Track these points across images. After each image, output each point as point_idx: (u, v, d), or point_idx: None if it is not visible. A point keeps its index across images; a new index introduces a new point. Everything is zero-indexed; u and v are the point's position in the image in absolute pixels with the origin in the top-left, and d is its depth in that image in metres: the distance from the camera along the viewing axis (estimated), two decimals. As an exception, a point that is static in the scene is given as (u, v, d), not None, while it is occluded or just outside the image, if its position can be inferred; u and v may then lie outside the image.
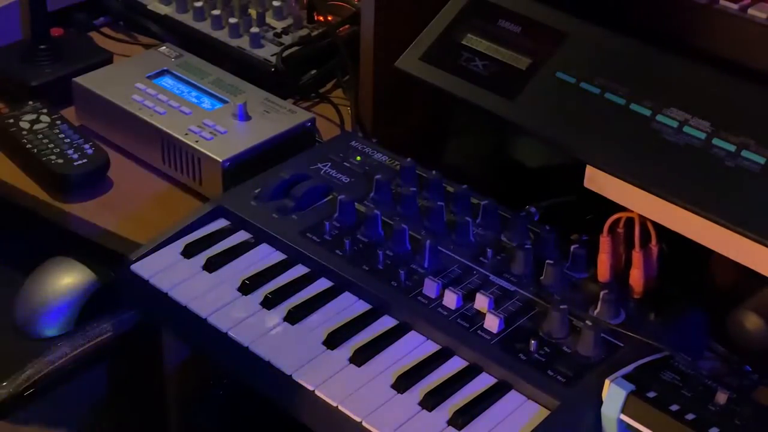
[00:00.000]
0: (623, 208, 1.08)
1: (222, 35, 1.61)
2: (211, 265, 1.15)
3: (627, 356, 1.01)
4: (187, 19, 1.66)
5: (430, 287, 1.08)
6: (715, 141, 1.01)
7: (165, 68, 1.49)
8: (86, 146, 1.38)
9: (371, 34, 1.35)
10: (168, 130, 1.37)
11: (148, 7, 1.70)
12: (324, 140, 1.41)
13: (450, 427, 0.97)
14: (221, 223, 1.21)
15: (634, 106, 1.06)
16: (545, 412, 0.98)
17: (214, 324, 1.08)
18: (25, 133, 1.40)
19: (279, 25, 1.64)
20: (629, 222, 1.08)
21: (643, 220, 1.07)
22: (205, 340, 1.11)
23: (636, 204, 1.06)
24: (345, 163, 1.27)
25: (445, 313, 1.07)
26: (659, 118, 1.05)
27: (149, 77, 1.47)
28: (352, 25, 1.59)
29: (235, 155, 1.32)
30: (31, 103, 1.45)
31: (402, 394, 1.00)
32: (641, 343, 1.03)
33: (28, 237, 1.49)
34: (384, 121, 1.40)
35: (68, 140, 1.39)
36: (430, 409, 0.98)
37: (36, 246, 1.44)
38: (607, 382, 0.97)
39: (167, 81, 1.47)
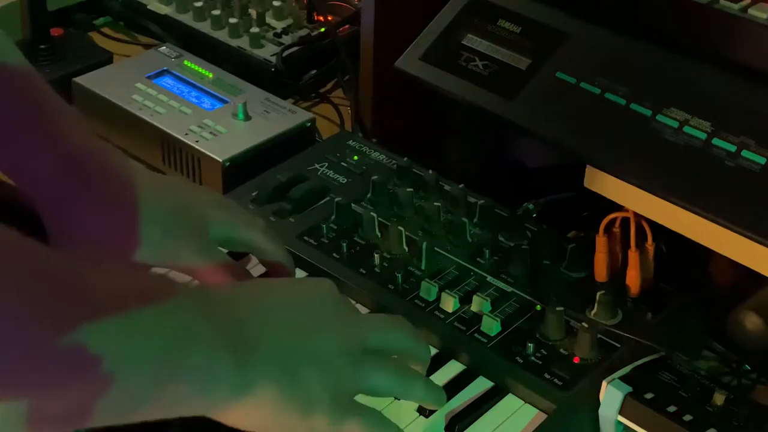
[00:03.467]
0: (622, 207, 1.08)
1: (222, 35, 1.61)
2: (209, 269, 1.14)
3: (624, 357, 1.01)
4: (187, 19, 1.66)
5: (426, 291, 1.08)
6: (715, 141, 1.00)
7: (165, 68, 1.49)
8: (85, 147, 1.37)
9: (371, 34, 1.34)
10: (168, 130, 1.36)
11: (148, 7, 1.70)
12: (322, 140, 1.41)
13: (447, 433, 0.96)
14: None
15: (634, 106, 1.06)
16: (542, 416, 0.97)
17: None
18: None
19: (279, 25, 1.64)
20: (625, 221, 1.08)
21: (639, 219, 1.07)
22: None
23: (636, 204, 1.06)
24: (342, 163, 1.27)
25: (442, 316, 1.06)
26: (659, 118, 1.04)
27: (149, 77, 1.47)
28: (352, 25, 1.58)
29: (235, 155, 1.32)
30: (30, 103, 1.45)
31: (399, 400, 0.99)
32: (638, 343, 1.02)
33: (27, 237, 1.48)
34: (384, 121, 1.40)
35: (67, 140, 1.38)
36: (427, 415, 0.97)
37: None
38: (604, 383, 0.97)
39: (167, 81, 1.47)
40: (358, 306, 1.09)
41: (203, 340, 0.74)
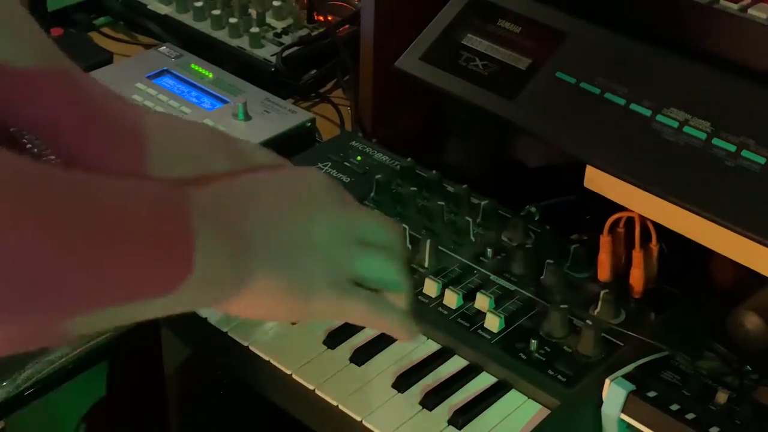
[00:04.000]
0: (623, 208, 1.08)
1: (222, 35, 1.61)
2: (211, 266, 1.14)
3: (627, 356, 1.01)
4: (187, 19, 1.66)
5: (430, 287, 1.08)
6: (715, 141, 1.01)
7: (165, 68, 1.49)
8: (86, 146, 1.37)
9: (371, 34, 1.34)
10: (168, 130, 1.36)
11: (148, 7, 1.70)
12: (324, 140, 1.41)
13: (450, 426, 0.97)
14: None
15: (634, 106, 1.06)
16: (545, 412, 0.98)
17: (214, 323, 1.08)
18: (25, 132, 1.39)
19: (279, 25, 1.64)
20: (629, 222, 1.08)
21: (644, 219, 1.07)
22: (205, 339, 1.11)
23: (636, 204, 1.06)
24: (345, 163, 1.27)
25: (446, 312, 1.07)
26: (659, 118, 1.04)
27: (149, 77, 1.47)
28: (352, 25, 1.59)
29: (235, 155, 1.32)
30: (31, 103, 1.45)
31: (402, 393, 1.00)
32: (641, 342, 1.03)
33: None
34: (384, 121, 1.40)
35: (68, 140, 1.38)
36: (431, 408, 0.98)
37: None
38: (607, 381, 0.97)
39: (167, 81, 1.47)
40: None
41: (202, 240, 0.75)
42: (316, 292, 0.82)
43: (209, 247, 0.75)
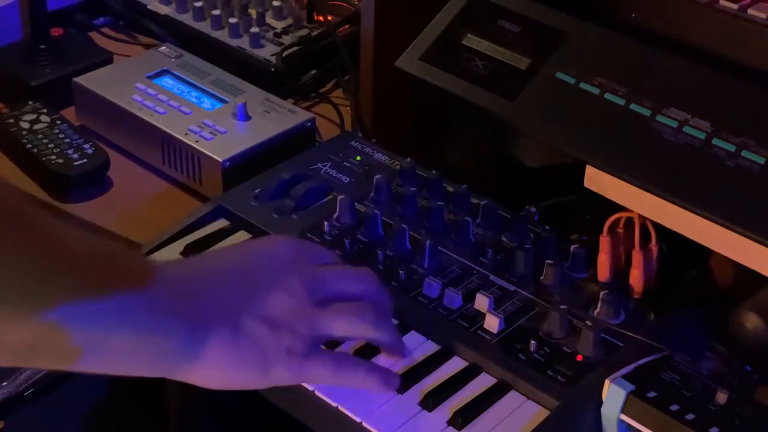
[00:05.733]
0: (623, 208, 1.08)
1: (222, 35, 1.62)
2: (211, 265, 1.15)
3: (627, 356, 1.01)
4: (187, 19, 1.66)
5: (430, 287, 1.08)
6: (715, 141, 1.01)
7: (165, 68, 1.49)
8: (86, 146, 1.38)
9: (371, 34, 1.35)
10: (168, 130, 1.37)
11: (148, 7, 1.70)
12: (324, 140, 1.41)
13: (450, 427, 0.97)
14: (221, 223, 1.21)
15: (634, 106, 1.06)
16: (545, 412, 0.98)
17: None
18: (25, 133, 1.40)
19: (279, 25, 1.64)
20: (629, 222, 1.08)
21: (643, 220, 1.07)
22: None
23: (636, 204, 1.06)
24: (345, 163, 1.28)
25: (445, 313, 1.07)
26: (659, 118, 1.05)
27: (149, 77, 1.47)
28: (352, 25, 1.59)
29: (235, 155, 1.32)
30: (31, 103, 1.45)
31: (402, 394, 1.00)
32: (641, 343, 1.03)
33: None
34: (384, 121, 1.40)
35: (68, 140, 1.38)
36: (430, 409, 0.98)
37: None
38: (607, 382, 0.97)
39: (167, 81, 1.47)
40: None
41: (164, 321, 0.78)
42: (274, 362, 0.84)
43: (168, 325, 0.78)
